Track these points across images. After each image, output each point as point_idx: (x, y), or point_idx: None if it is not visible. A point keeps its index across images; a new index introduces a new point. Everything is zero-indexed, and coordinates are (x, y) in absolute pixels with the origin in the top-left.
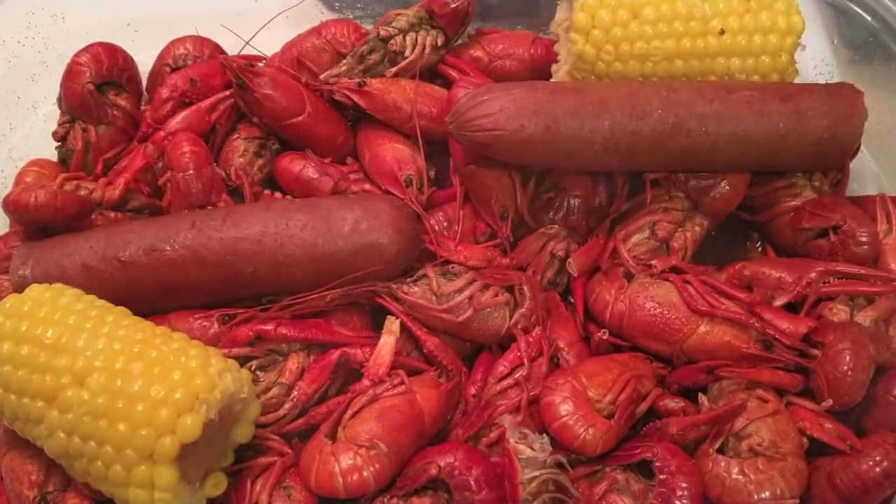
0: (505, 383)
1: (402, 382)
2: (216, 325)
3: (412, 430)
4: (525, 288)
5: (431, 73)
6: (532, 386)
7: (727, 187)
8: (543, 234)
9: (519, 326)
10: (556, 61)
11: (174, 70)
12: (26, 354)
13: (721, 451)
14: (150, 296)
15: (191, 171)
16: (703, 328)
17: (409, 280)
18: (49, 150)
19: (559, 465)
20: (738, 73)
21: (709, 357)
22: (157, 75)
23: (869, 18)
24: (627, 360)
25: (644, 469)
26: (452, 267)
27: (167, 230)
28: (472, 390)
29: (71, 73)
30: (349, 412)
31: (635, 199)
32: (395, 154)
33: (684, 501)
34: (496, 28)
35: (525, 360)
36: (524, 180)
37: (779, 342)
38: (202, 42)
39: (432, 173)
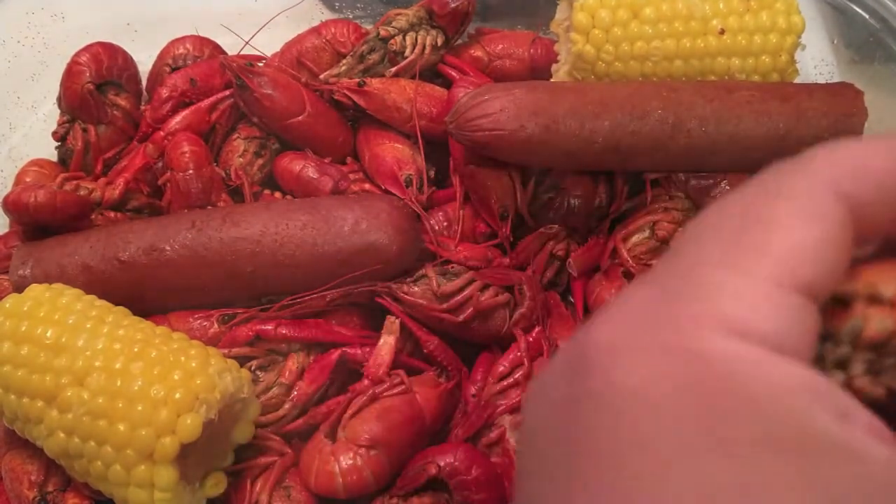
0: (505, 383)
1: (402, 382)
2: (216, 325)
3: (412, 430)
4: (525, 288)
5: (431, 73)
6: None
7: (727, 187)
8: (543, 234)
9: (519, 326)
10: (556, 61)
11: (174, 70)
12: (26, 354)
13: None
14: (150, 296)
15: (191, 171)
16: None
17: (409, 280)
18: (49, 150)
19: None
20: (738, 72)
21: None
22: (157, 75)
23: (869, 18)
24: None
25: None
26: (452, 267)
27: (167, 230)
28: (472, 390)
29: (71, 73)
30: (349, 412)
31: (635, 199)
32: (395, 154)
33: None
34: (496, 28)
35: (525, 360)
36: (524, 180)
37: None
38: (202, 42)
39: (432, 173)
